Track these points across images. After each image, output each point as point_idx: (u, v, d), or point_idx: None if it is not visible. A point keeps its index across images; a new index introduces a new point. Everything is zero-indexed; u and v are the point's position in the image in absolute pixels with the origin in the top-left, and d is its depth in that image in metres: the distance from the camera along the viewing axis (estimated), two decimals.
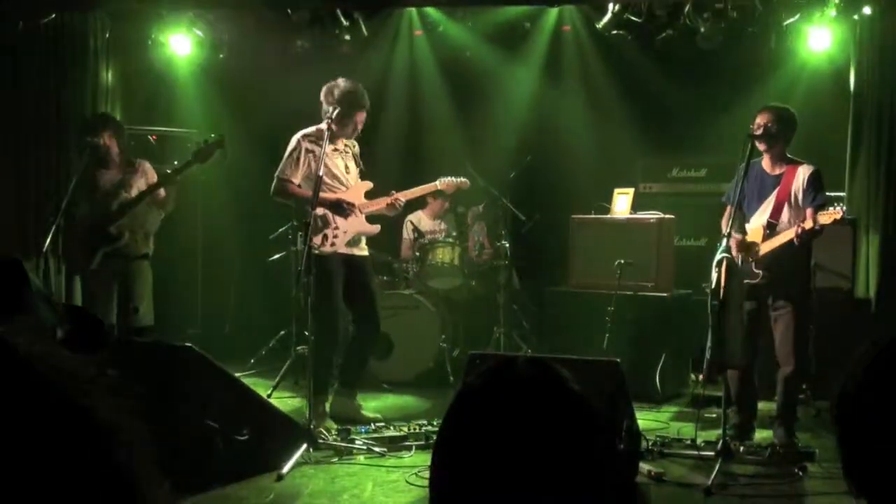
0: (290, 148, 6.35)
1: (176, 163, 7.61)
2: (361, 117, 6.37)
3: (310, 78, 6.85)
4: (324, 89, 6.31)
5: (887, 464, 1.09)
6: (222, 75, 9.00)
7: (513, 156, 8.79)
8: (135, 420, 0.81)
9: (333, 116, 6.15)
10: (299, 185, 6.29)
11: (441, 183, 6.91)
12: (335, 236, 6.30)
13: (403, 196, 6.58)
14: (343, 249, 6.35)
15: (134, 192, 6.62)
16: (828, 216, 5.47)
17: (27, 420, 0.69)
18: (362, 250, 6.52)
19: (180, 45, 8.63)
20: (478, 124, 9.33)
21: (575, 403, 1.31)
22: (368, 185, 6.55)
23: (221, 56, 8.82)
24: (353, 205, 6.33)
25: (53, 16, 7.93)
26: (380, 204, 6.50)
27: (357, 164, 6.56)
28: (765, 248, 5.79)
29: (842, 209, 5.57)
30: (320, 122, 6.27)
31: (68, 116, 8.03)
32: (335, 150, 6.37)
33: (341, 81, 6.31)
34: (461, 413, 1.31)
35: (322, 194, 6.14)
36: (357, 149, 6.59)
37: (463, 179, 7.04)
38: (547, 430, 1.27)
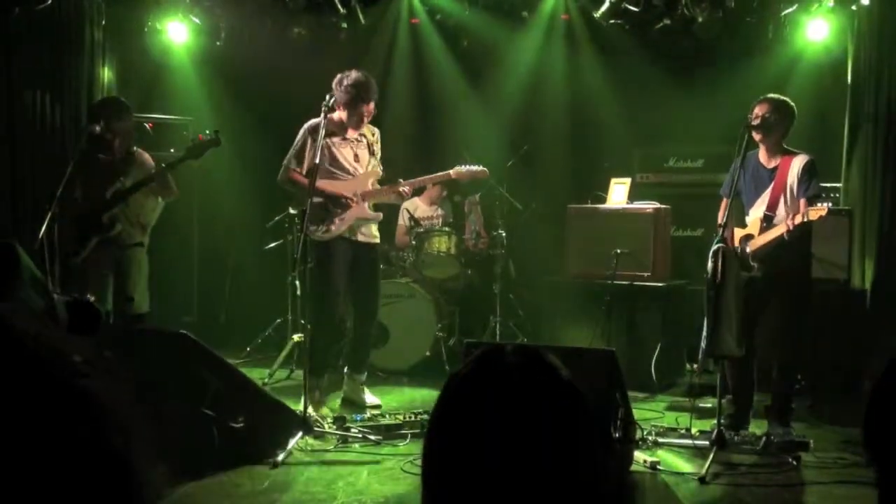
0: (298, 137, 6.43)
1: (173, 150, 7.60)
2: (368, 109, 6.39)
3: (307, 65, 6.84)
4: (335, 79, 6.36)
5: None
6: (219, 62, 8.97)
7: (509, 145, 8.78)
8: (130, 403, 0.81)
9: (340, 106, 6.18)
10: (305, 174, 6.32)
11: (455, 172, 6.55)
12: (331, 223, 6.35)
13: (409, 185, 6.60)
14: (346, 234, 6.40)
15: (129, 182, 6.59)
16: (815, 212, 5.49)
17: (21, 399, 0.68)
18: (371, 238, 6.55)
19: (177, 32, 8.60)
20: (474, 113, 9.31)
21: (563, 390, 1.30)
22: (377, 173, 6.57)
23: (218, 43, 8.79)
24: (350, 199, 6.36)
25: (49, 2, 7.88)
26: (383, 192, 6.55)
27: (372, 154, 6.55)
28: (759, 241, 5.80)
29: (828, 205, 5.58)
30: (320, 108, 6.28)
31: (64, 104, 8.00)
32: (344, 139, 6.43)
33: (353, 72, 6.36)
34: (450, 401, 1.31)
35: (324, 183, 6.22)
36: (377, 136, 6.59)
37: (481, 168, 6.61)
38: (534, 418, 1.27)
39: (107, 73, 8.33)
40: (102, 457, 0.71)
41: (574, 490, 1.28)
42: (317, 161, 6.00)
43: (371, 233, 6.56)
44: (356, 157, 6.48)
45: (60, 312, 2.28)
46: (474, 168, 6.58)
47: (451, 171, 6.58)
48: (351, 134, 6.45)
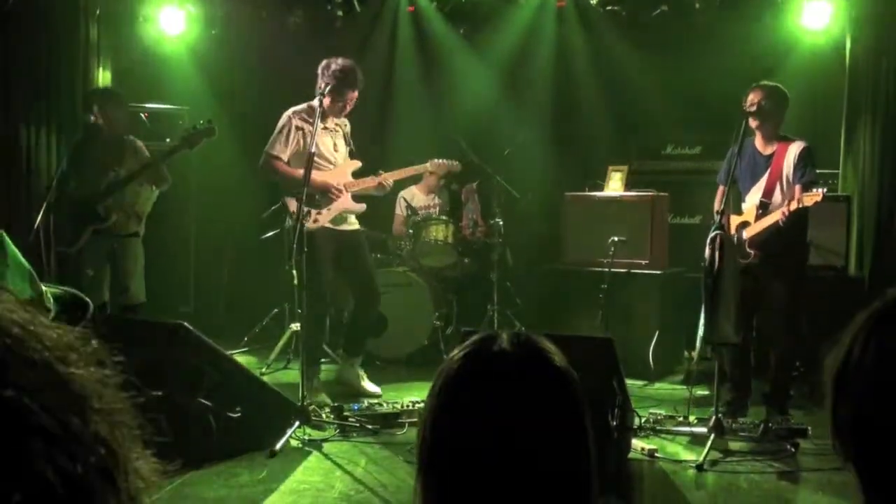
0: (280, 124, 6.31)
1: (168, 140, 7.57)
2: (353, 96, 6.31)
3: (302, 55, 6.81)
4: (321, 64, 6.26)
5: (879, 431, 1.07)
6: (214, 52, 8.93)
7: (506, 133, 8.76)
8: (117, 392, 0.80)
9: (326, 92, 6.13)
10: (287, 162, 6.27)
11: (432, 164, 7.03)
12: (318, 213, 6.30)
13: (391, 176, 6.59)
14: (329, 225, 6.35)
15: (124, 171, 6.58)
16: (810, 198, 5.50)
17: (5, 388, 0.67)
18: (352, 225, 6.53)
19: (172, 21, 8.56)
20: (470, 101, 9.28)
21: (557, 377, 1.29)
22: (357, 164, 6.54)
23: (213, 32, 8.75)
24: (340, 189, 6.33)
25: None
26: (366, 183, 6.50)
27: (347, 144, 6.53)
28: (755, 228, 5.80)
29: (823, 191, 5.57)
30: (314, 97, 6.22)
31: (59, 93, 7.96)
32: (325, 128, 6.33)
33: (339, 59, 6.27)
34: (443, 390, 1.30)
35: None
36: (348, 128, 6.56)
37: (454, 162, 7.17)
38: (529, 405, 1.26)
39: (102, 63, 8.27)
40: (83, 444, 0.70)
41: (570, 477, 1.27)
42: (313, 150, 5.94)
43: (352, 220, 6.54)
44: (335, 146, 6.44)
45: (49, 304, 2.27)
46: (449, 161, 7.10)
47: (427, 164, 6.99)
48: (329, 123, 6.38)
